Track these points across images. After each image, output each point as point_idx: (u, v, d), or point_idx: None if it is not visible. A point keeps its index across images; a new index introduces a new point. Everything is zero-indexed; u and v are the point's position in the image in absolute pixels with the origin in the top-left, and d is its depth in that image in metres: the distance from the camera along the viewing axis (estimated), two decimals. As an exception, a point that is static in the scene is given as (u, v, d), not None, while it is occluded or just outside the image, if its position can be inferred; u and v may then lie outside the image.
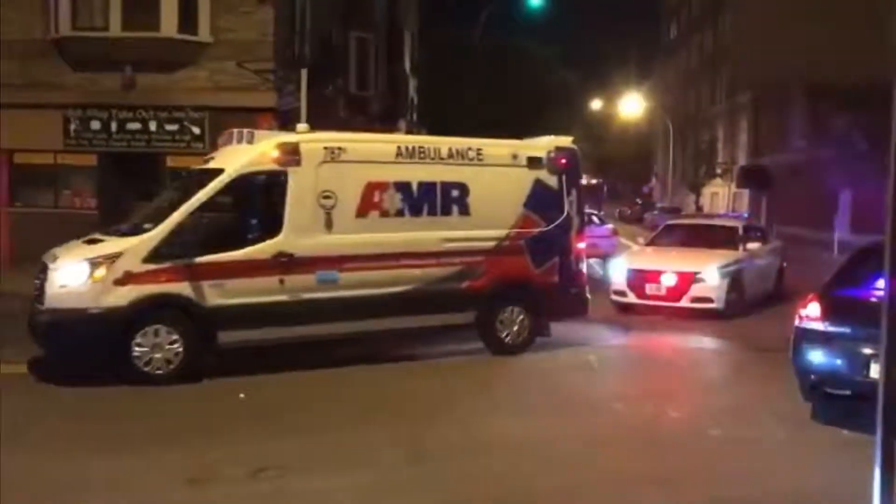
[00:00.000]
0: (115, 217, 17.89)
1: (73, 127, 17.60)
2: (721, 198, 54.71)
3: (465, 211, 9.77)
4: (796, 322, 7.35)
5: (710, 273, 12.73)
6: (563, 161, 10.40)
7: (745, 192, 49.95)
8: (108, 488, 5.59)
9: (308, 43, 20.38)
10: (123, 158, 17.70)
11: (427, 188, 9.55)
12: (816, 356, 7.08)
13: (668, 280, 12.78)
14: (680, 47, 69.59)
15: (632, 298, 13.11)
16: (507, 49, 37.04)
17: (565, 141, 10.78)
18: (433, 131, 40.93)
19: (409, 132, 36.04)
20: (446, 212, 9.70)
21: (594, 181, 47.92)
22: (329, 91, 21.78)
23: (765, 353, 10.13)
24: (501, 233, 9.96)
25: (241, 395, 7.95)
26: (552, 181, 10.33)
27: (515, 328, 10.05)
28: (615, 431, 7.11)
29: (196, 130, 17.45)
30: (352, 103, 24.65)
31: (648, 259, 13.82)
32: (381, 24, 27.59)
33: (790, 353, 7.37)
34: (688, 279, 12.67)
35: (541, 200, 10.21)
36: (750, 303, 13.41)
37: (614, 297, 13.35)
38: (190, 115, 17.43)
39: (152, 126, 17.51)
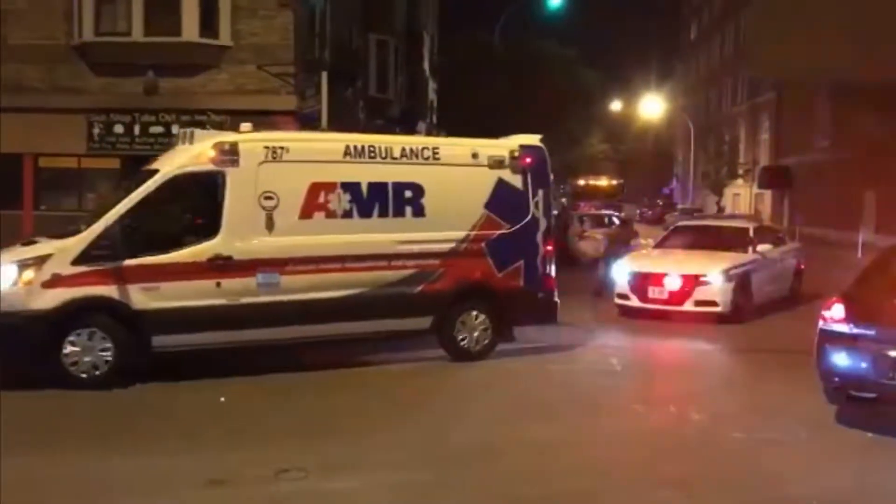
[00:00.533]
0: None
1: (96, 131, 17.77)
2: (743, 199, 54.30)
3: (419, 212, 9.43)
4: (820, 324, 7.27)
5: (715, 275, 12.42)
6: (528, 160, 9.99)
7: (768, 193, 49.56)
8: (129, 490, 5.64)
9: (328, 46, 20.52)
10: (146, 161, 17.83)
11: (377, 189, 9.21)
12: (841, 359, 7.00)
13: (671, 283, 12.48)
14: (701, 47, 69.19)
15: (635, 302, 12.81)
16: (527, 50, 36.99)
17: (532, 140, 10.34)
18: (452, 133, 41.11)
19: (428, 134, 36.16)
20: (399, 213, 9.35)
21: (614, 182, 47.65)
22: (349, 94, 21.87)
23: (782, 355, 10.03)
24: (460, 234, 9.60)
25: (222, 399, 7.90)
26: (516, 181, 9.92)
27: (476, 333, 9.69)
28: (636, 434, 7.07)
29: (217, 134, 17.54)
30: (371, 106, 24.75)
31: (651, 261, 13.56)
32: (400, 27, 27.67)
33: (814, 356, 7.29)
34: (691, 282, 12.36)
35: (503, 201, 9.81)
36: (761, 306, 13.08)
37: (617, 301, 13.10)
38: (211, 119, 17.51)
39: (174, 129, 17.54)
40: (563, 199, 35.48)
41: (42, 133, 17.26)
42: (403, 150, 9.54)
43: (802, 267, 15.29)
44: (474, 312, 9.70)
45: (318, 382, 8.75)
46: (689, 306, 12.37)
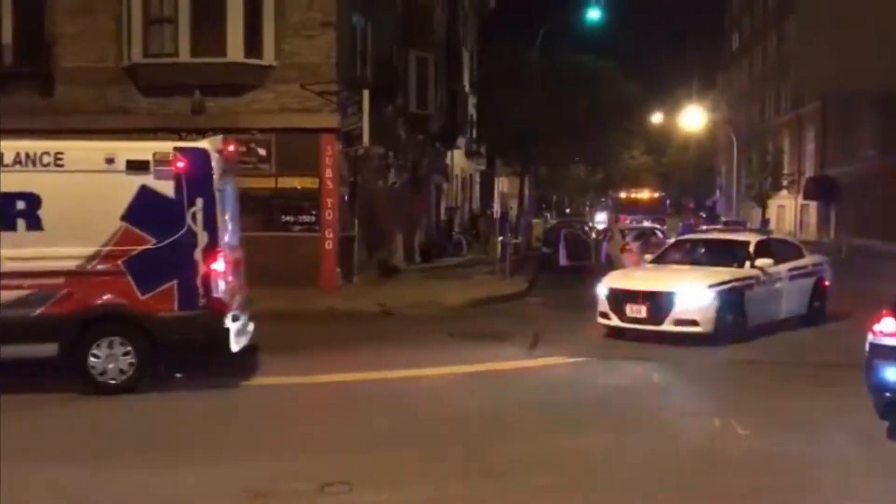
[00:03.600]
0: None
1: (144, 150, 18.17)
2: (788, 210, 53.46)
3: (35, 225, 8.50)
4: (870, 338, 7.15)
5: (695, 292, 11.55)
6: (182, 165, 8.72)
7: (813, 204, 48.72)
8: (170, 503, 5.77)
9: (369, 64, 20.78)
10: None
11: None
12: (892, 373, 6.88)
13: (649, 301, 11.65)
14: (743, 57, 68.45)
15: (615, 321, 11.98)
16: (566, 64, 36.94)
17: (215, 142, 9.26)
18: (492, 148, 41.23)
19: (467, 149, 36.29)
20: (9, 226, 8.44)
21: (656, 195, 47.27)
22: (389, 110, 22.10)
23: (824, 369, 9.86)
24: (88, 250, 8.60)
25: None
26: (166, 189, 8.71)
27: (116, 364, 8.66)
28: (677, 447, 7.01)
29: (262, 152, 17.88)
30: (412, 122, 24.96)
31: (632, 278, 12.86)
32: (440, 43, 27.89)
33: (864, 370, 7.17)
34: (670, 300, 11.53)
35: (148, 212, 8.69)
36: (761, 326, 12.08)
37: (599, 320, 12.33)
38: (256, 137, 17.87)
39: (220, 148, 17.98)
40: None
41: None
42: (17, 156, 8.56)
43: (826, 283, 13.92)
44: (113, 339, 8.67)
45: (362, 394, 8.85)
46: (667, 326, 11.50)
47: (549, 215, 49.65)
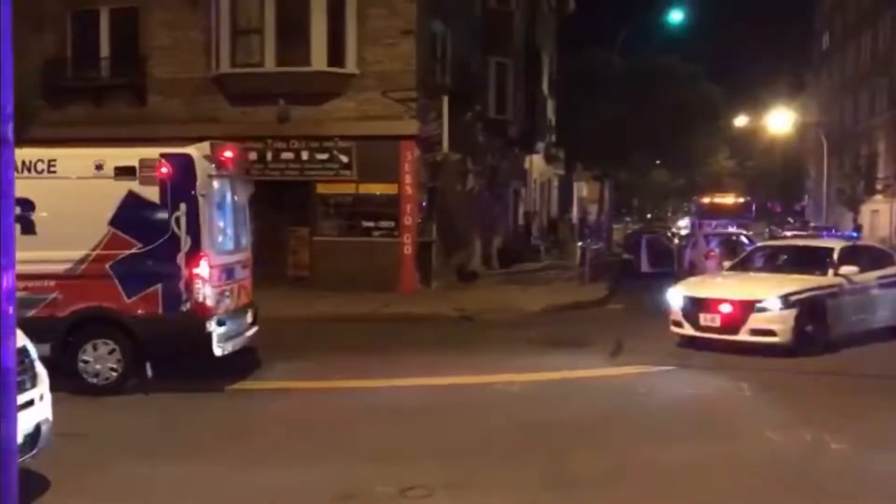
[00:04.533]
0: (270, 241, 19.10)
1: (232, 158, 18.71)
2: (882, 215, 51.23)
3: (29, 229, 8.65)
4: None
5: (772, 301, 11.10)
6: (166, 170, 8.86)
7: (910, 209, 46.58)
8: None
9: (448, 70, 20.92)
10: (277, 186, 18.71)
11: None
12: None
13: (725, 309, 11.26)
14: (834, 57, 66.06)
15: (688, 330, 11.66)
16: (648, 67, 36.32)
17: (202, 148, 9.28)
18: (571, 152, 40.85)
19: (546, 154, 36.04)
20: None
21: (741, 200, 45.94)
22: (468, 116, 22.18)
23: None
24: (78, 254, 8.86)
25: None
26: (151, 194, 8.90)
27: (104, 365, 8.87)
28: (766, 462, 6.80)
29: (344, 159, 18.20)
30: (490, 127, 24.99)
31: (707, 286, 12.40)
32: (519, 48, 27.84)
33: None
34: (746, 308, 11.12)
35: (135, 217, 8.90)
36: (846, 337, 11.59)
37: (673, 329, 11.98)
38: (338, 145, 18.21)
39: (304, 155, 18.42)
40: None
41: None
42: (15, 163, 8.85)
43: None
44: (102, 342, 8.89)
45: (440, 400, 8.90)
46: (743, 336, 11.12)
47: (629, 220, 48.88)
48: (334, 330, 13.70)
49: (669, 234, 28.82)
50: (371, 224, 18.33)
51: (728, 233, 25.28)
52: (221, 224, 9.59)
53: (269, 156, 18.55)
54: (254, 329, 10.29)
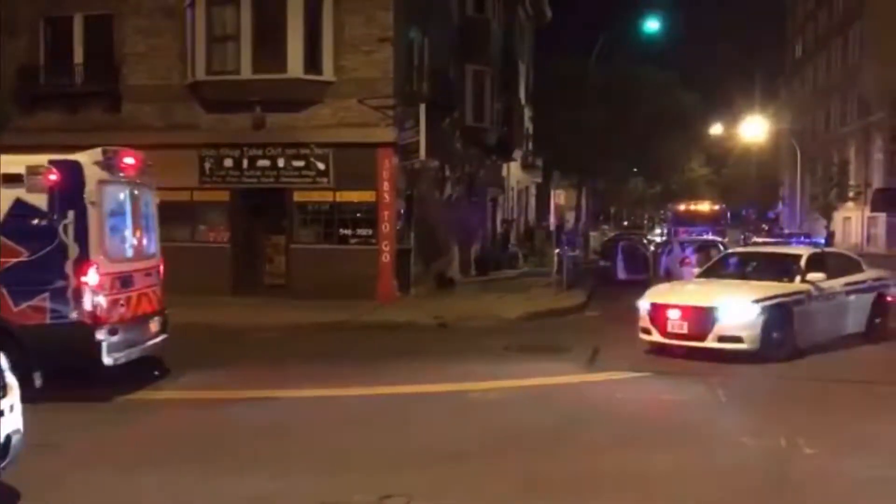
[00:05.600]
0: (246, 250, 18.99)
1: (207, 165, 18.65)
2: (854, 222, 51.97)
3: None
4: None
5: (739, 307, 11.14)
6: (54, 177, 8.77)
7: (882, 217, 47.29)
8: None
9: (426, 78, 20.94)
10: (253, 194, 18.62)
11: None
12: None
13: (691, 316, 11.31)
14: (807, 66, 66.99)
15: (656, 337, 11.66)
16: (624, 75, 36.65)
17: (93, 154, 9.13)
18: (548, 160, 41.05)
19: (524, 161, 36.18)
20: None
21: (716, 207, 46.41)
22: (446, 124, 22.21)
23: (883, 387, 9.52)
24: None
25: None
26: (39, 202, 8.78)
27: None
28: (742, 466, 6.85)
29: (321, 166, 18.15)
30: (468, 135, 25.05)
31: (674, 293, 12.39)
32: (496, 56, 27.95)
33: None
34: (713, 315, 11.14)
35: (22, 225, 8.75)
36: (815, 343, 11.63)
37: (641, 336, 11.99)
38: (315, 152, 18.15)
39: (280, 162, 18.34)
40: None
41: (158, 168, 18.09)
42: None
43: (889, 299, 13.35)
44: None
45: (418, 408, 8.88)
46: (710, 342, 11.11)
47: (606, 227, 49.19)
48: (308, 338, 13.64)
49: (645, 242, 29.00)
50: (348, 231, 18.29)
51: (703, 240, 25.51)
52: (117, 231, 9.40)
53: (246, 163, 18.46)
54: (160, 338, 10.11)
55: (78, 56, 19.09)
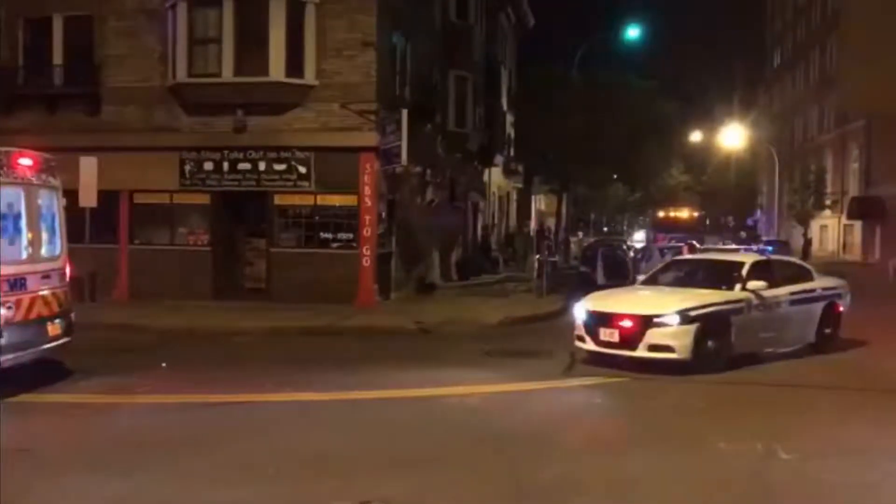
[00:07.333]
0: (227, 253, 18.91)
1: (187, 168, 18.55)
2: (831, 230, 52.56)
3: None
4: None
5: (670, 316, 10.76)
6: None
7: (857, 224, 47.85)
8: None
9: (408, 83, 20.97)
10: (234, 197, 18.55)
11: None
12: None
13: (624, 324, 10.91)
14: (785, 75, 67.73)
15: (590, 345, 11.36)
16: (605, 82, 36.86)
17: None
18: (530, 166, 41.20)
19: (505, 167, 36.28)
20: None
21: (695, 214, 46.80)
22: (428, 129, 22.24)
23: (861, 393, 9.63)
24: None
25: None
26: None
27: None
28: (721, 470, 6.91)
29: (302, 169, 18.11)
30: (450, 140, 25.10)
31: (609, 300, 11.99)
32: (479, 62, 28.05)
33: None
34: (644, 324, 10.77)
35: None
36: (753, 353, 11.47)
37: (576, 343, 11.70)
38: (296, 155, 18.12)
39: (261, 166, 18.29)
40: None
41: (138, 170, 18.15)
42: None
43: (840, 308, 13.00)
44: None
45: (398, 413, 8.88)
46: (641, 351, 10.78)
47: (581, 234, 49.38)
48: (286, 342, 13.60)
49: (625, 247, 29.15)
50: (329, 235, 18.26)
51: (682, 246, 25.65)
52: (7, 233, 9.20)
53: (226, 166, 18.39)
54: (62, 341, 9.95)
55: (57, 57, 18.95)
